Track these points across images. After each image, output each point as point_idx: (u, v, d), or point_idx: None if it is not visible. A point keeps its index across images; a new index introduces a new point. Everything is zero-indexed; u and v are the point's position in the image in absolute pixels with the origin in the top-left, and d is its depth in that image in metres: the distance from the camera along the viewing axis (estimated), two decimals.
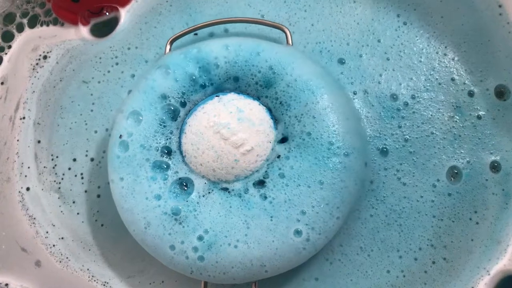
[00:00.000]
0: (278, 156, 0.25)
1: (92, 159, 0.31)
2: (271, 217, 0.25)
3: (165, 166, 0.26)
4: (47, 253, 0.30)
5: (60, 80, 0.32)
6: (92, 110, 0.32)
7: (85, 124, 0.32)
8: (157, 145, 0.26)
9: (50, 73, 0.32)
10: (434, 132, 0.28)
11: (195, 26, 0.29)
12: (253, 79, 0.26)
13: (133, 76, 0.31)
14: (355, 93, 0.29)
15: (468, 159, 0.27)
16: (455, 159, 0.27)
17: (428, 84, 0.28)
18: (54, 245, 0.30)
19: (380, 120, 0.29)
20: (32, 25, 0.32)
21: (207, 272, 0.25)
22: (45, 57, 0.32)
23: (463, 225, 0.27)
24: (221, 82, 0.26)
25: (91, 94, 0.32)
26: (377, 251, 0.27)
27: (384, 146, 0.28)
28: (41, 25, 0.32)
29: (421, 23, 0.29)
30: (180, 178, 0.26)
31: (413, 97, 0.28)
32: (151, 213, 0.26)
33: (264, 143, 0.26)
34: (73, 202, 0.31)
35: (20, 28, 0.32)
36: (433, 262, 0.27)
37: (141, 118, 0.26)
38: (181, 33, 0.29)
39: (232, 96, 0.26)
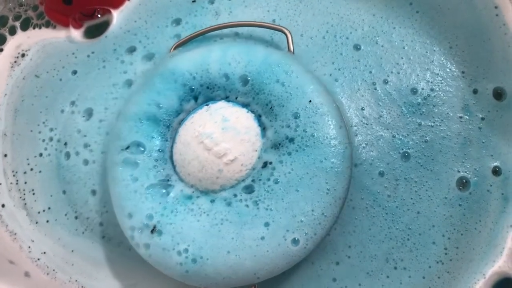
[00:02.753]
0: (270, 163, 0.27)
1: (31, 169, 0.34)
2: (267, 224, 0.26)
3: (135, 164, 0.29)
4: (34, 265, 0.32)
5: (23, 79, 0.34)
6: (32, 104, 0.34)
7: (26, 125, 0.34)
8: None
9: (21, 72, 0.34)
10: (449, 134, 0.29)
11: (197, 32, 0.31)
12: (243, 84, 0.28)
13: (88, 56, 0.34)
14: (374, 84, 0.30)
15: (475, 167, 0.29)
16: (464, 167, 0.29)
17: (444, 75, 0.30)
18: (38, 259, 0.32)
19: (402, 117, 0.30)
20: (24, 28, 0.35)
21: (199, 283, 0.27)
22: (23, 55, 0.34)
23: (469, 236, 0.28)
24: (210, 90, 0.29)
25: (36, 87, 0.34)
26: (388, 273, 0.29)
27: (406, 151, 0.30)
28: (34, 28, 0.35)
29: (432, 13, 0.30)
30: (165, 183, 0.28)
31: (432, 89, 0.30)
32: (127, 229, 0.28)
33: (249, 152, 0.27)
34: (36, 223, 0.33)
35: (13, 31, 0.35)
36: (438, 277, 0.28)
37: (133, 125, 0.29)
38: (184, 39, 0.31)
39: (221, 105, 0.28)
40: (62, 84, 0.34)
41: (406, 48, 0.30)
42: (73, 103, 0.33)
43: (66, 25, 0.34)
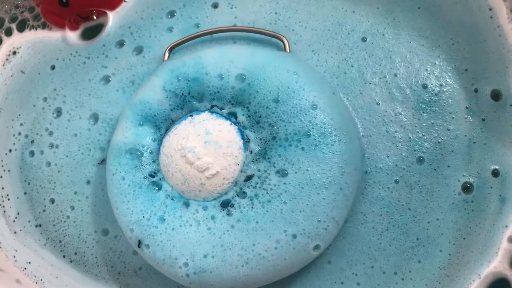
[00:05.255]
0: (258, 170, 0.28)
1: (4, 170, 0.35)
2: (285, 231, 0.26)
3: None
4: (22, 274, 0.33)
5: (11, 76, 0.36)
6: (12, 100, 0.36)
7: (4, 122, 0.35)
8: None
9: (10, 69, 0.36)
10: (459, 134, 0.31)
11: (194, 34, 0.33)
12: (240, 81, 0.29)
13: (71, 54, 0.35)
14: (385, 77, 0.32)
15: (477, 170, 0.30)
16: (469, 169, 0.30)
17: (451, 70, 0.31)
18: (25, 268, 0.33)
19: (416, 114, 0.31)
20: (21, 29, 0.37)
21: None
22: (14, 53, 0.36)
23: (470, 239, 0.30)
24: (198, 96, 0.30)
25: (19, 82, 0.36)
26: (394, 285, 0.30)
27: (421, 155, 0.31)
28: (30, 30, 0.37)
29: (432, 10, 0.32)
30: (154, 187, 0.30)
31: (441, 85, 0.31)
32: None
33: (231, 166, 0.28)
34: (15, 233, 0.34)
35: (9, 33, 0.37)
36: (439, 283, 0.30)
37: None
38: (180, 41, 0.33)
39: (204, 116, 0.29)
40: (39, 78, 0.36)
41: (412, 42, 0.32)
42: (45, 99, 0.35)
43: (62, 27, 0.37)
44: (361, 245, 0.30)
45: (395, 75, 0.31)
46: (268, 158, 0.28)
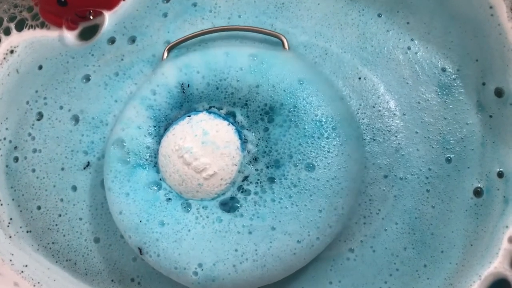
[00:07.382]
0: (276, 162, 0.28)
1: None
2: (308, 232, 0.26)
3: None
4: (20, 277, 0.34)
5: (8, 75, 0.37)
6: (5, 101, 0.36)
7: None
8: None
9: (7, 68, 0.37)
10: (475, 131, 0.30)
11: (193, 34, 0.33)
12: (253, 59, 0.29)
13: (60, 53, 0.35)
14: (406, 53, 0.31)
15: (486, 172, 0.30)
16: (480, 171, 0.30)
17: (462, 56, 0.31)
18: (22, 271, 0.35)
19: (440, 101, 0.31)
20: (19, 29, 0.38)
21: None
22: (12, 51, 0.37)
23: (476, 245, 0.30)
24: (196, 99, 0.30)
25: (12, 82, 0.36)
26: None
27: (450, 155, 0.30)
28: (28, 29, 0.38)
29: None
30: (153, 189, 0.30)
31: (458, 70, 0.31)
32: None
33: (229, 167, 0.29)
34: (10, 237, 0.35)
35: (7, 32, 0.38)
36: None
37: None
38: (178, 40, 0.33)
39: (202, 117, 0.30)
40: (27, 79, 0.37)
41: (426, 23, 0.32)
42: (27, 102, 0.36)
43: (60, 26, 0.38)
44: (374, 268, 0.30)
45: (416, 53, 0.32)
46: (285, 150, 0.27)
